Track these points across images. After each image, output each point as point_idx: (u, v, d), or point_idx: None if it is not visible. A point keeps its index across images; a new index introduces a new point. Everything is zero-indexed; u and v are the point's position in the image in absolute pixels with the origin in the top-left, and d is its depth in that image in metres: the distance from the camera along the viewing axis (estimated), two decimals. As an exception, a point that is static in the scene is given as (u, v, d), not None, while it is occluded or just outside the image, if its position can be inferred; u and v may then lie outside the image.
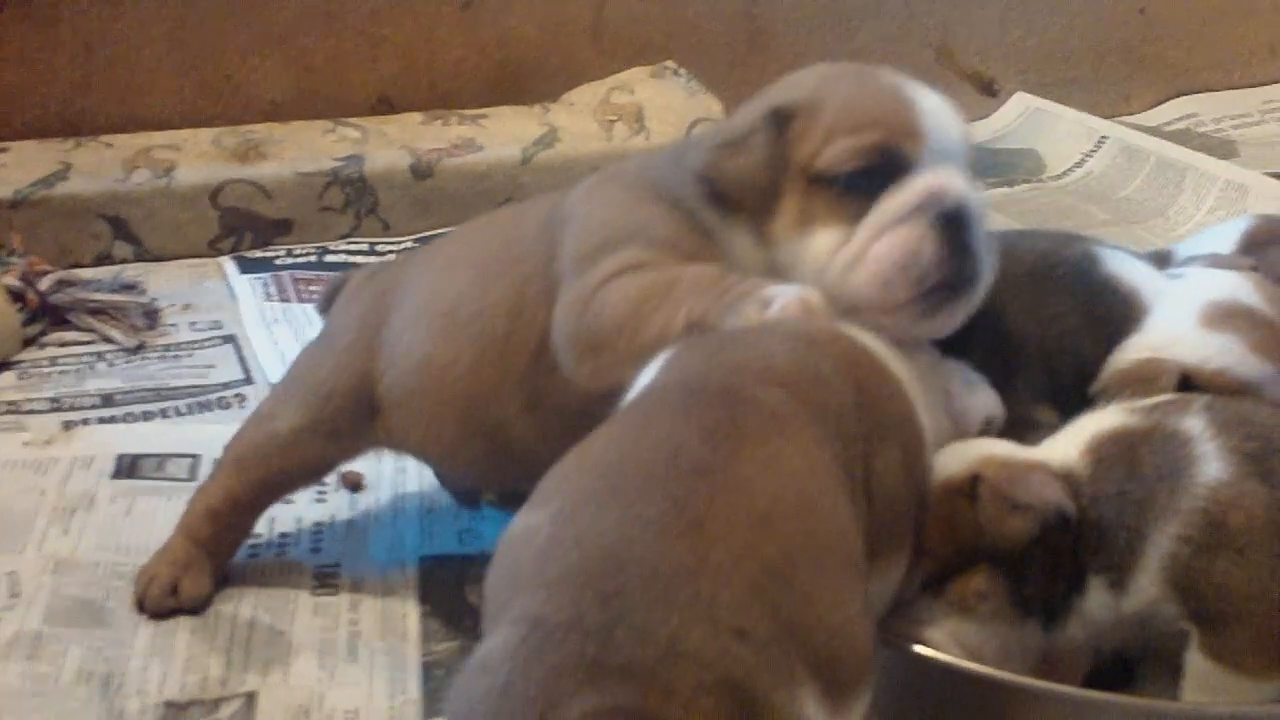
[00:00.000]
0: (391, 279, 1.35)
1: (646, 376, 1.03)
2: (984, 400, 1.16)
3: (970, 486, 1.06)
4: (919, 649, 1.05)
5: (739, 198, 1.16)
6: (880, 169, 1.13)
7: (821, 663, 0.83)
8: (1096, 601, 1.06)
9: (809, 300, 1.08)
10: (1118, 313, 1.27)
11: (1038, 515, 1.04)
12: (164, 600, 1.33)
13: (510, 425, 1.24)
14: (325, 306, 1.43)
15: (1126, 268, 1.30)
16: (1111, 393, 1.20)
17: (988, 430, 1.15)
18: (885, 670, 0.92)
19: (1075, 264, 1.30)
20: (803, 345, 1.01)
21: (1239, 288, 1.28)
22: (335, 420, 1.33)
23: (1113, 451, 1.08)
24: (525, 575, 0.84)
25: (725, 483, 0.86)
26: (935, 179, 1.13)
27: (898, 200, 1.12)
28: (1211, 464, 1.04)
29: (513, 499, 1.38)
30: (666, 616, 0.79)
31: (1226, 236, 1.48)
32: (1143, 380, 1.20)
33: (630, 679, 0.77)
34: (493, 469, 1.32)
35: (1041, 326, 1.27)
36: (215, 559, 1.36)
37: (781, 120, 1.15)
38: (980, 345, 1.21)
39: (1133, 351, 1.24)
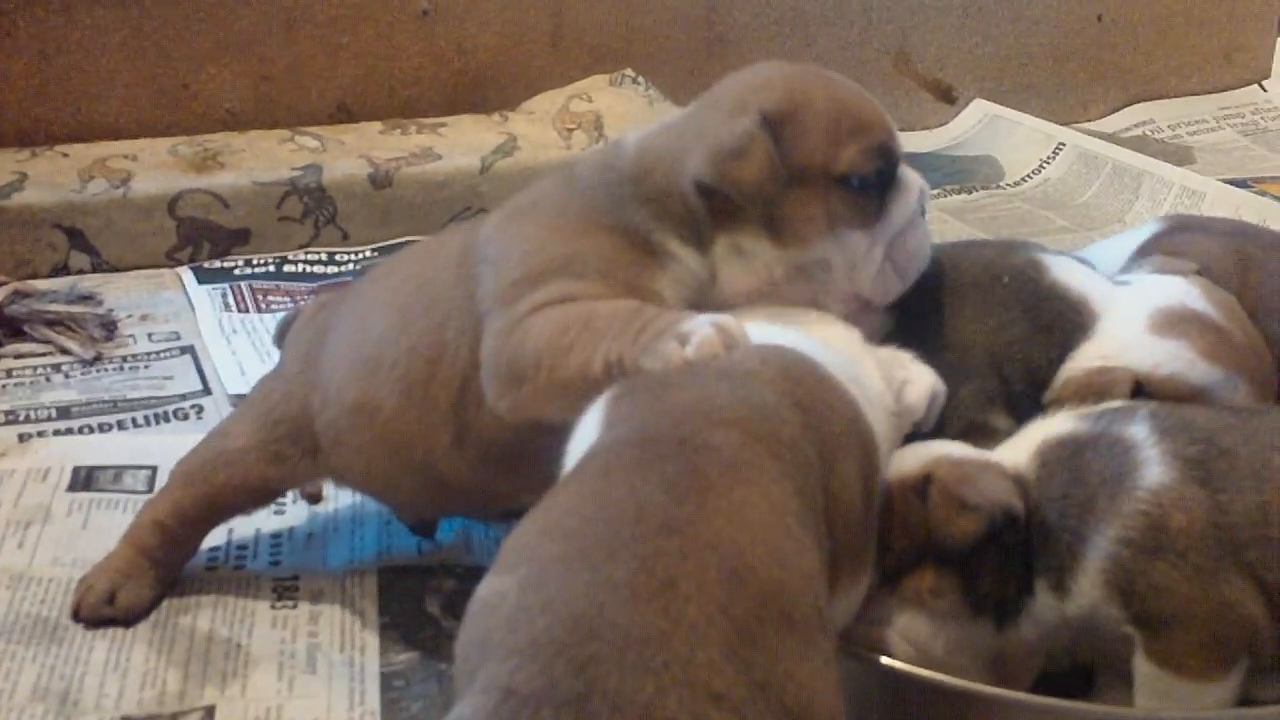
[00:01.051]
0: (332, 314, 1.38)
1: (588, 428, 1.02)
2: (923, 377, 1.16)
3: (922, 485, 1.07)
4: (882, 659, 1.05)
5: (745, 206, 1.16)
6: (889, 168, 1.19)
7: (793, 718, 0.83)
8: (1043, 603, 1.07)
9: (728, 329, 1.07)
10: (1067, 320, 1.28)
11: (986, 515, 1.05)
12: (100, 609, 1.32)
13: (440, 461, 1.26)
14: (279, 339, 1.46)
15: (1073, 275, 1.31)
16: (1066, 402, 1.21)
17: (934, 406, 1.15)
18: (848, 679, 0.91)
19: (1021, 272, 1.30)
20: (740, 378, 1.01)
21: (1186, 293, 1.30)
22: (280, 445, 1.34)
23: (1059, 455, 1.09)
24: (494, 641, 0.83)
25: (693, 539, 0.85)
26: (917, 176, 1.22)
27: (906, 199, 1.20)
28: (1154, 469, 1.06)
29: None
30: (642, 683, 0.78)
31: (1131, 244, 1.48)
32: (1097, 390, 1.20)
33: None
34: (431, 501, 1.34)
35: (989, 335, 1.27)
36: (159, 571, 1.36)
37: (773, 125, 1.16)
38: (930, 355, 1.21)
39: (1084, 359, 1.25)
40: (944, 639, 1.07)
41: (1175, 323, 1.26)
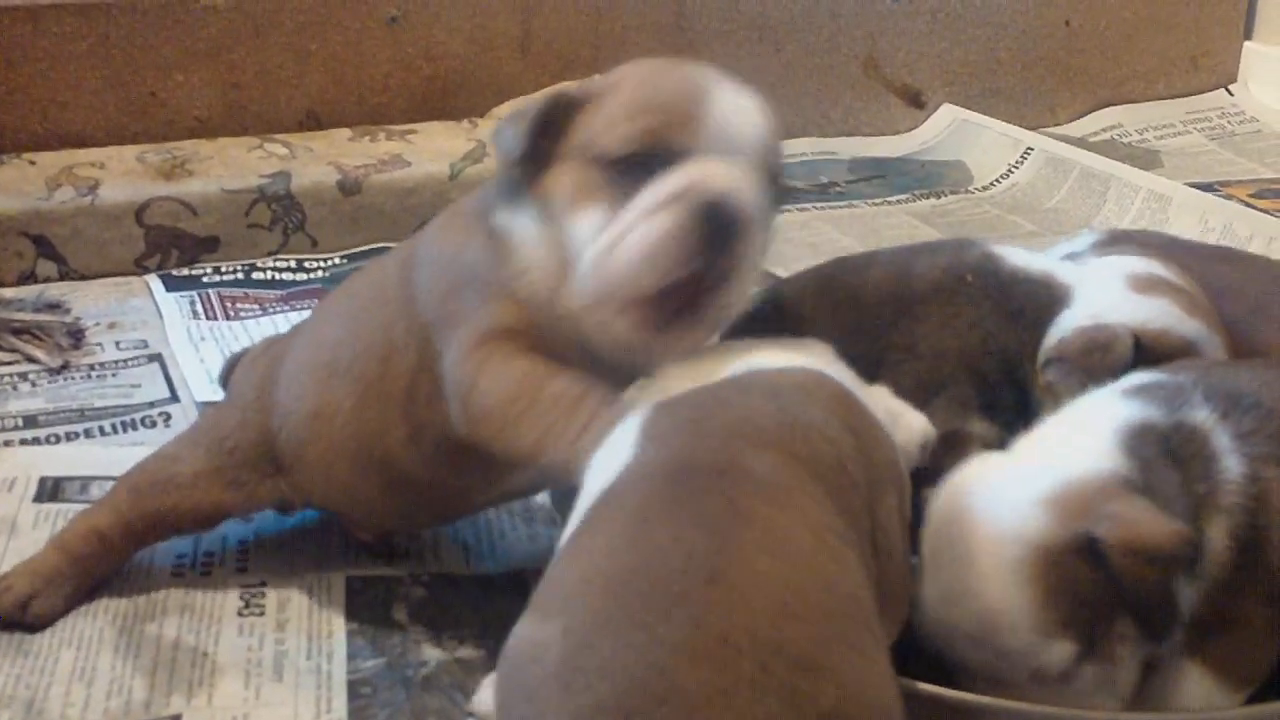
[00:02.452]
0: (285, 345, 1.40)
1: (622, 443, 1.00)
2: (916, 424, 1.14)
3: (1086, 547, 1.01)
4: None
5: (513, 169, 1.16)
6: (652, 156, 1.11)
7: None
8: (1185, 596, 1.04)
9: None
10: (1038, 300, 1.29)
11: (1178, 555, 1.01)
12: (12, 613, 1.32)
13: (398, 459, 1.27)
14: (225, 380, 1.48)
15: (1029, 258, 1.33)
16: (1070, 360, 1.21)
17: (924, 452, 1.15)
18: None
19: (979, 267, 1.31)
20: (789, 396, 1.00)
21: (1149, 264, 1.31)
22: (237, 471, 1.35)
23: (1153, 450, 1.06)
24: (546, 700, 0.82)
25: (739, 585, 0.84)
26: (703, 169, 1.10)
27: (660, 187, 1.10)
28: (1231, 458, 1.06)
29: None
30: None
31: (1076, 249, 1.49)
32: (1101, 345, 1.21)
33: None
34: (393, 507, 1.34)
35: (959, 338, 1.28)
36: (80, 582, 1.35)
37: (572, 104, 1.15)
38: (894, 370, 1.22)
39: (1072, 322, 1.26)
40: (1133, 675, 1.05)
41: (1152, 284, 1.28)
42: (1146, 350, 1.22)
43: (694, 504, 0.89)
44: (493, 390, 1.16)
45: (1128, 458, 1.05)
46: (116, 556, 1.37)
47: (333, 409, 1.29)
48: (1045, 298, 1.29)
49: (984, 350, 1.28)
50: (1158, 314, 1.25)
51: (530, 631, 0.87)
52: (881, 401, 1.13)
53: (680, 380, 1.09)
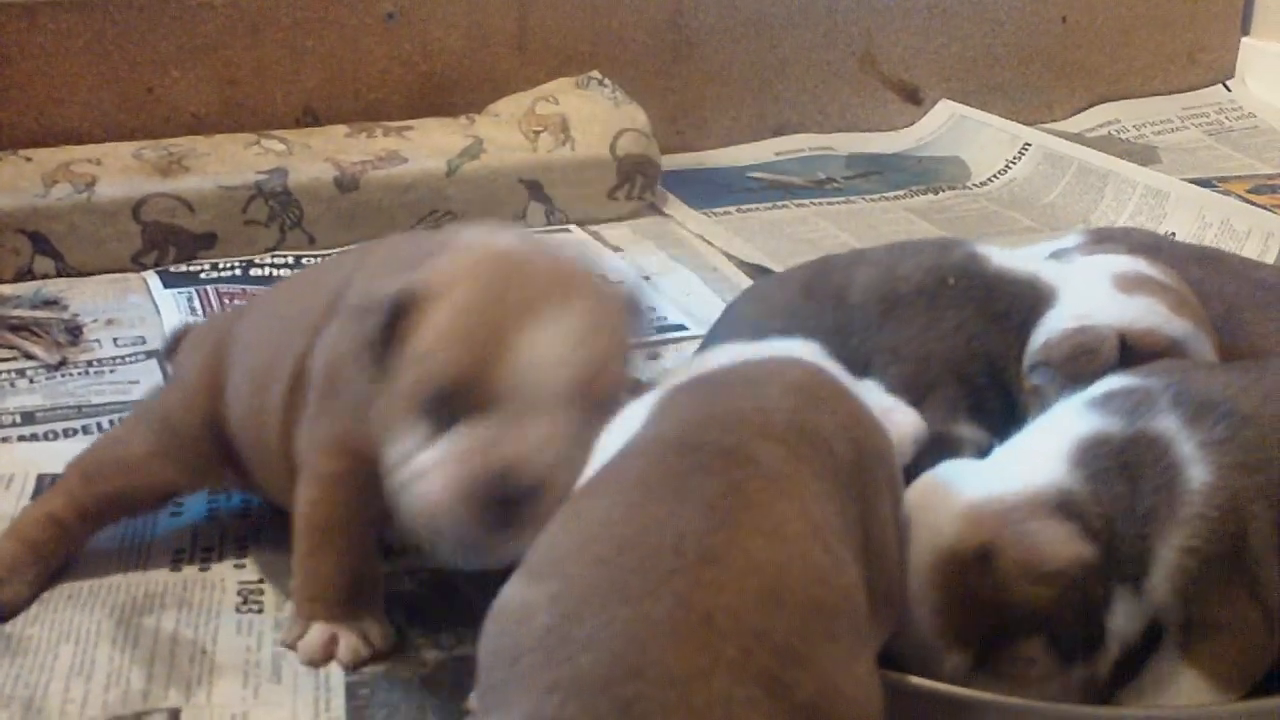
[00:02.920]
0: (226, 329, 1.40)
1: (634, 419, 1.01)
2: (908, 421, 1.14)
3: (982, 560, 1.03)
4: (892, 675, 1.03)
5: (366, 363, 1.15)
6: (458, 397, 1.09)
7: None
8: (1123, 614, 1.05)
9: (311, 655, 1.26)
10: (1022, 301, 1.28)
11: (1067, 578, 1.02)
12: None
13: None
14: (168, 354, 1.50)
15: (1014, 259, 1.33)
16: (1055, 366, 1.20)
17: (917, 449, 1.14)
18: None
19: (963, 268, 1.31)
20: (804, 400, 1.00)
21: (1134, 261, 1.31)
22: (184, 452, 1.37)
23: (1105, 464, 1.06)
24: (529, 665, 0.83)
25: (730, 566, 0.84)
26: (496, 435, 1.08)
27: (455, 443, 1.09)
28: (1196, 467, 1.05)
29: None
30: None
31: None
32: (1087, 349, 1.20)
33: None
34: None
35: (944, 341, 1.27)
36: (41, 568, 1.36)
37: (401, 309, 1.12)
38: (886, 376, 1.21)
39: (1058, 322, 1.26)
40: (1045, 697, 1.05)
41: (1138, 283, 1.28)
42: (1133, 350, 1.22)
43: (695, 481, 0.90)
44: (306, 500, 1.25)
45: (1077, 470, 1.06)
46: (75, 540, 1.38)
47: (261, 418, 1.31)
48: (1030, 299, 1.29)
49: (969, 353, 1.27)
50: (1143, 313, 1.25)
51: (520, 592, 0.88)
52: (873, 398, 1.13)
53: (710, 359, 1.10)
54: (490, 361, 1.08)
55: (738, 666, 0.81)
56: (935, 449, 1.17)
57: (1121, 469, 1.06)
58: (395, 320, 1.12)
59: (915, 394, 1.25)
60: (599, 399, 1.09)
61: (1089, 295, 1.28)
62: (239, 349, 1.37)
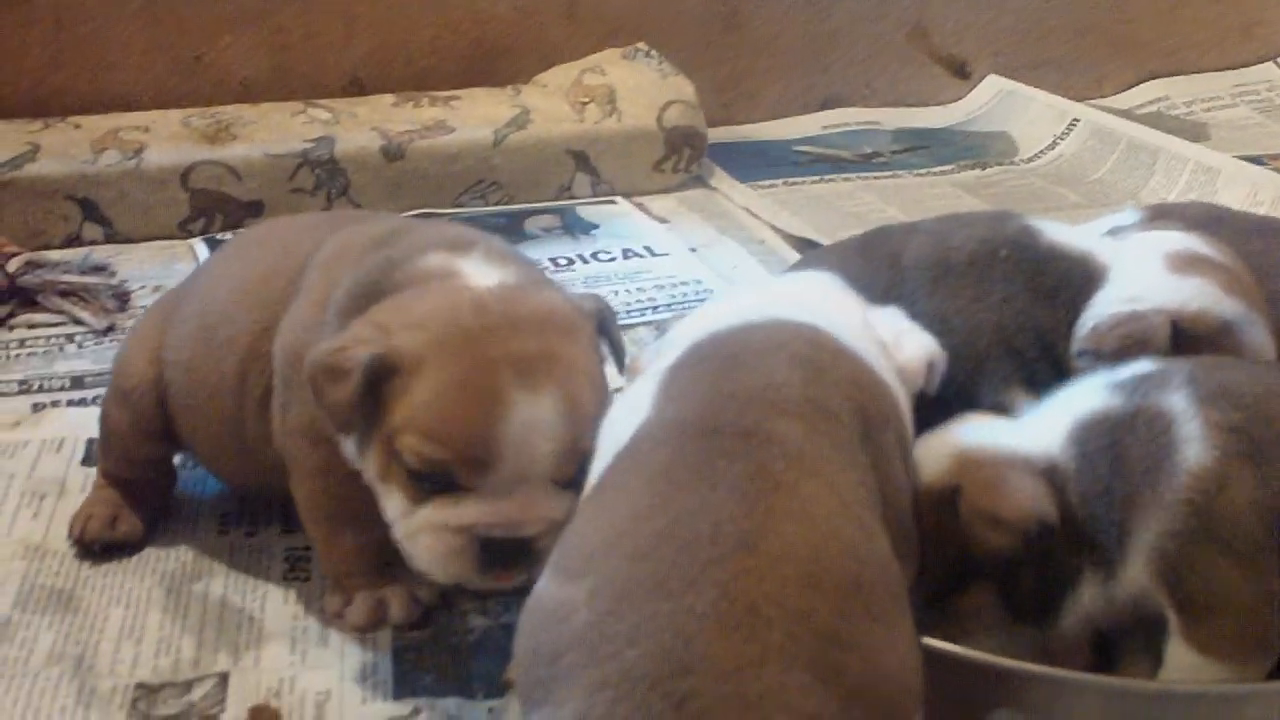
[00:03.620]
0: (184, 288, 1.42)
1: (641, 396, 1.00)
2: (921, 345, 1.14)
3: (951, 495, 1.05)
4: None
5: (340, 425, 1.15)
6: (441, 476, 1.10)
7: (885, 709, 0.83)
8: (1089, 594, 1.05)
9: (382, 612, 1.26)
10: (1073, 278, 1.27)
11: (1020, 530, 1.03)
12: (103, 532, 1.37)
13: (250, 452, 1.30)
14: None
15: (1069, 234, 1.31)
16: (1104, 355, 1.20)
17: (934, 371, 1.14)
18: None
19: (1015, 241, 1.29)
20: (811, 373, 0.99)
21: (1189, 240, 1.29)
22: (150, 422, 1.38)
23: (1096, 443, 1.05)
24: (573, 663, 0.83)
25: (768, 553, 0.84)
26: (483, 510, 1.09)
27: (446, 513, 1.10)
28: (1194, 446, 1.02)
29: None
30: (742, 717, 0.79)
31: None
32: (1137, 339, 1.19)
33: None
34: (255, 482, 1.38)
35: (994, 312, 1.26)
36: (145, 499, 1.41)
37: (382, 372, 1.10)
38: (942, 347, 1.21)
39: (1106, 305, 1.25)
40: (987, 649, 1.05)
41: (1191, 263, 1.26)
42: (1184, 332, 1.21)
43: (722, 468, 0.89)
44: (305, 504, 1.27)
45: (1072, 447, 1.06)
46: (159, 470, 1.43)
47: (204, 373, 1.31)
48: (1081, 277, 1.27)
49: (1017, 326, 1.27)
50: (1195, 294, 1.23)
51: (554, 591, 0.87)
52: (891, 323, 1.13)
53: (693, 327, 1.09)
54: (476, 440, 1.08)
55: (787, 654, 0.80)
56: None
57: (1109, 448, 1.05)
58: (369, 387, 1.11)
59: (967, 364, 1.24)
60: (584, 454, 1.07)
61: (1140, 276, 1.26)
62: (185, 312, 1.36)
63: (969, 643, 1.05)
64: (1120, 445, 1.05)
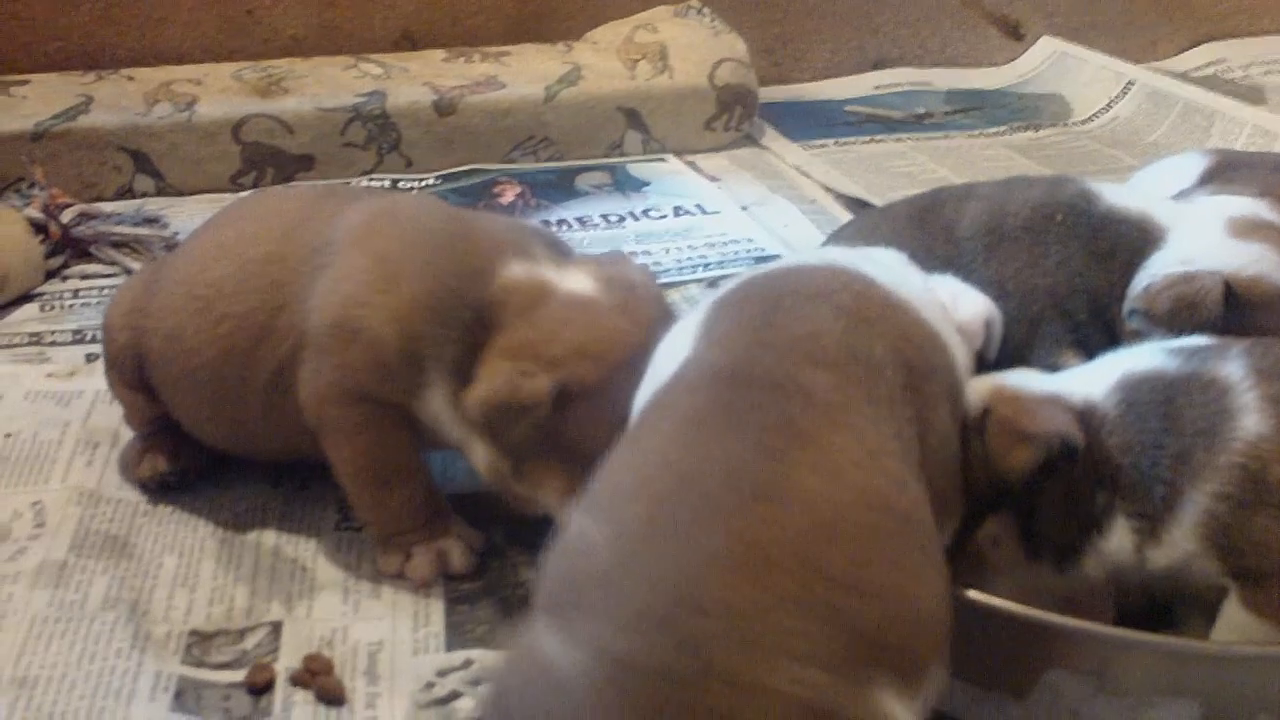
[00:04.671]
0: (173, 253, 1.42)
1: (684, 336, 1.02)
2: (977, 305, 1.14)
3: (981, 422, 1.05)
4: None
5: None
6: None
7: (899, 658, 0.84)
8: (1119, 545, 1.04)
9: (447, 562, 1.26)
10: (1129, 240, 1.27)
11: (1043, 445, 1.03)
12: (171, 472, 1.39)
13: (249, 422, 1.30)
14: None
15: (1129, 197, 1.30)
16: (1155, 316, 1.18)
17: (992, 332, 1.14)
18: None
19: (1071, 205, 1.29)
20: (854, 323, 0.99)
21: (1255, 205, 1.28)
22: (136, 383, 1.38)
23: (1147, 398, 1.05)
24: (592, 599, 0.84)
25: (784, 502, 0.85)
26: None
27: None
28: (1250, 416, 1.01)
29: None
30: (752, 659, 0.79)
31: (1184, 169, 1.46)
32: (1189, 302, 1.18)
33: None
34: (241, 447, 1.38)
35: (1048, 276, 1.26)
36: (187, 442, 1.41)
37: (564, 400, 1.13)
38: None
39: (1161, 266, 1.24)
40: (1004, 589, 1.06)
41: (1253, 228, 1.25)
42: (1240, 298, 1.20)
43: (748, 417, 0.90)
44: (350, 457, 1.25)
45: (1115, 394, 1.06)
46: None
47: (196, 343, 1.29)
48: (1138, 239, 1.27)
49: (1070, 289, 1.26)
50: (1253, 259, 1.22)
51: (583, 528, 0.89)
52: (946, 287, 1.14)
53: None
54: None
55: (796, 600, 0.81)
56: None
57: (1162, 404, 1.04)
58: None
59: (1022, 328, 1.24)
60: None
61: (1198, 238, 1.25)
62: (168, 280, 1.34)
63: (985, 577, 1.06)
64: (1173, 404, 1.04)
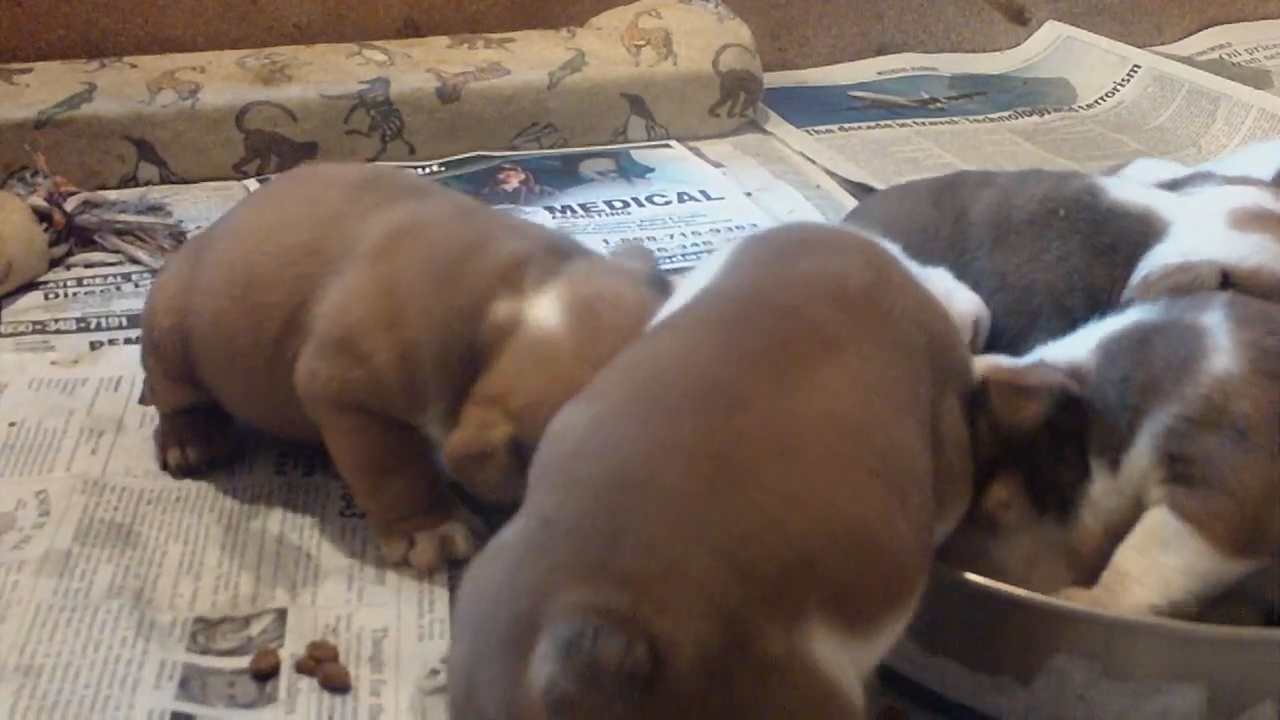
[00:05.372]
0: (220, 220, 1.41)
1: (712, 264, 1.03)
2: (968, 303, 1.16)
3: (979, 392, 1.06)
4: (965, 575, 1.05)
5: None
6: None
7: (843, 594, 0.83)
8: (1101, 486, 1.06)
9: (449, 547, 1.26)
10: (1131, 235, 1.27)
11: (1046, 395, 1.04)
12: (204, 451, 1.41)
13: (288, 407, 1.28)
14: None
15: (1134, 191, 1.30)
16: (1151, 298, 1.19)
17: (979, 328, 1.14)
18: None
19: (1075, 200, 1.29)
20: (882, 279, 1.00)
21: (1260, 195, 1.28)
22: (176, 368, 1.38)
23: (1124, 344, 1.07)
24: (553, 471, 0.87)
25: (758, 417, 0.86)
26: None
27: None
28: (1223, 356, 1.03)
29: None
30: (674, 538, 0.80)
31: (1270, 156, 1.46)
32: (1183, 288, 1.18)
33: (627, 586, 0.78)
34: (288, 434, 1.38)
35: (1048, 271, 1.27)
36: (207, 428, 1.42)
37: (522, 449, 1.13)
38: (992, 303, 1.21)
39: (1161, 258, 1.24)
40: (1020, 553, 1.07)
41: (1255, 219, 1.25)
42: (1239, 289, 1.19)
43: (750, 333, 0.92)
44: (348, 453, 1.26)
45: (1097, 352, 1.08)
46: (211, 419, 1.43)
47: (235, 328, 1.30)
48: (1140, 233, 1.27)
49: (1069, 287, 1.27)
50: (1253, 251, 1.22)
51: (569, 413, 0.91)
52: (940, 283, 1.14)
53: None
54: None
55: (741, 505, 0.82)
56: None
57: (1137, 345, 1.06)
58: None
59: (1020, 321, 1.25)
60: None
61: (1199, 231, 1.25)
62: (209, 261, 1.34)
63: (996, 542, 1.07)
64: (1147, 345, 1.06)
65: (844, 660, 0.83)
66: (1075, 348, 1.10)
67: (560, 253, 1.23)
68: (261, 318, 1.28)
